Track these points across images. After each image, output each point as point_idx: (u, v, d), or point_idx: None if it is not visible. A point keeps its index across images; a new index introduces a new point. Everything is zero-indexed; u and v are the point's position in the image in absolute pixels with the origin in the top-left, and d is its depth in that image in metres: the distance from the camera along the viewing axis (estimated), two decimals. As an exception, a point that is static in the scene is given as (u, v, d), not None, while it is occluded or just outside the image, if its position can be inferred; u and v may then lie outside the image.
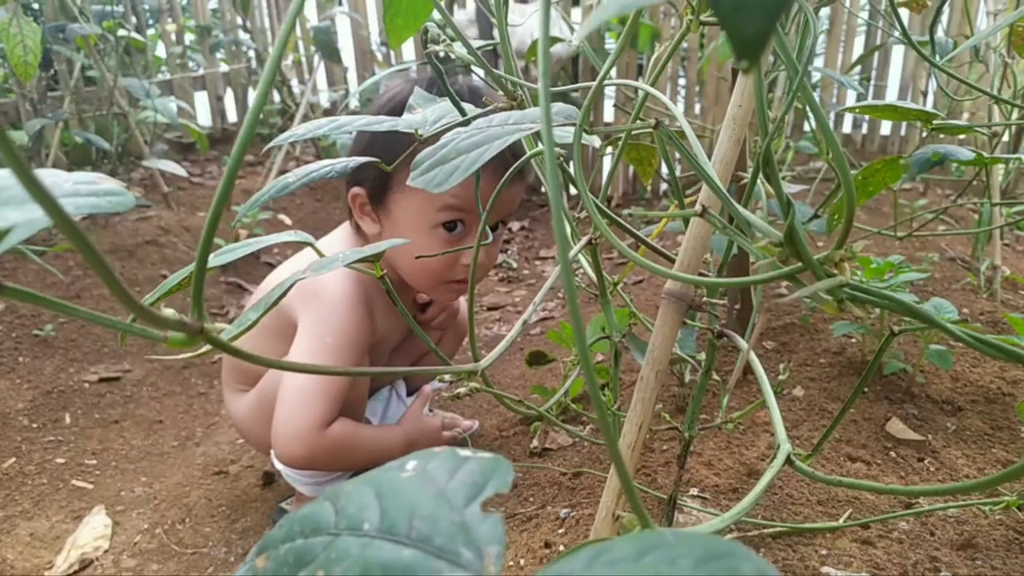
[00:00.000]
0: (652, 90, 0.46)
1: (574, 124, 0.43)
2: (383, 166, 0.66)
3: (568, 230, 0.79)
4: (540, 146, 0.58)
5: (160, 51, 3.13)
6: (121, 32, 2.04)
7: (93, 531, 1.16)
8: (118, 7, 2.12)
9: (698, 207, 0.41)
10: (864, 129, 2.93)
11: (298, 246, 2.33)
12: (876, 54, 2.76)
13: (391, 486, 0.28)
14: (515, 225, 2.72)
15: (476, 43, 0.67)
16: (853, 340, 1.12)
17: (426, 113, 0.68)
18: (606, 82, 0.45)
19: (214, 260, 0.44)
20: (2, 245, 0.25)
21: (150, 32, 3.09)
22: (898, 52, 2.71)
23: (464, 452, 0.30)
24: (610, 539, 0.24)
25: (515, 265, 2.40)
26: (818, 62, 2.75)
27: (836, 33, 2.76)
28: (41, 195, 0.22)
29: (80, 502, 1.23)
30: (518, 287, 2.22)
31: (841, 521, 0.73)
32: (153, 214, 2.24)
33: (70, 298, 1.80)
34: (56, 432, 1.41)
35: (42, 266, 1.69)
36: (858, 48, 2.83)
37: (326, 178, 0.64)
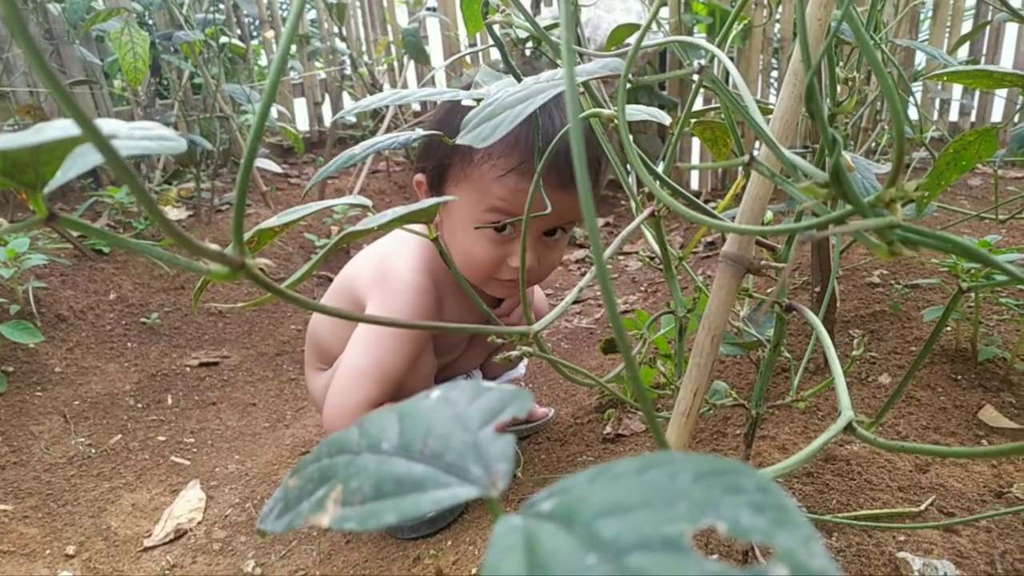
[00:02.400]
0: (708, 45, 0.45)
1: (617, 75, 0.42)
2: (446, 140, 0.67)
3: (633, 205, 0.78)
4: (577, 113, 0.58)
5: (263, 60, 3.29)
6: (223, 39, 2.16)
7: (188, 504, 1.22)
8: (220, 15, 2.24)
9: (746, 157, 0.40)
10: (973, 116, 2.75)
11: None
12: (986, 35, 2.59)
13: (413, 410, 0.29)
14: (599, 221, 2.70)
15: (545, 23, 0.68)
16: (947, 328, 1.06)
17: (490, 87, 0.69)
18: (647, 43, 0.44)
19: (277, 220, 0.46)
20: (66, 173, 0.27)
21: (253, 43, 3.25)
22: (1011, 32, 2.53)
23: (488, 384, 0.30)
24: (619, 460, 0.24)
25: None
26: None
27: (941, 17, 2.61)
28: (80, 117, 0.24)
29: (178, 477, 1.30)
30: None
31: (923, 507, 0.69)
32: (252, 212, 2.35)
33: (174, 289, 1.91)
34: (159, 412, 1.50)
35: (149, 258, 1.81)
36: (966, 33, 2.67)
37: (390, 149, 0.65)
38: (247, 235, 0.51)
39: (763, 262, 0.52)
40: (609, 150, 0.73)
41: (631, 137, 0.50)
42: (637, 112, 0.77)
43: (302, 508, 0.27)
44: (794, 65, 0.50)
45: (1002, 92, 2.59)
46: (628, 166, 0.80)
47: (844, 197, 0.35)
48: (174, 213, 2.34)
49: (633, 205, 0.79)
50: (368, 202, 0.52)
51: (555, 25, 0.67)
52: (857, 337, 1.11)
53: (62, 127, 0.27)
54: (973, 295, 0.94)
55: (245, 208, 0.31)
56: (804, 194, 0.36)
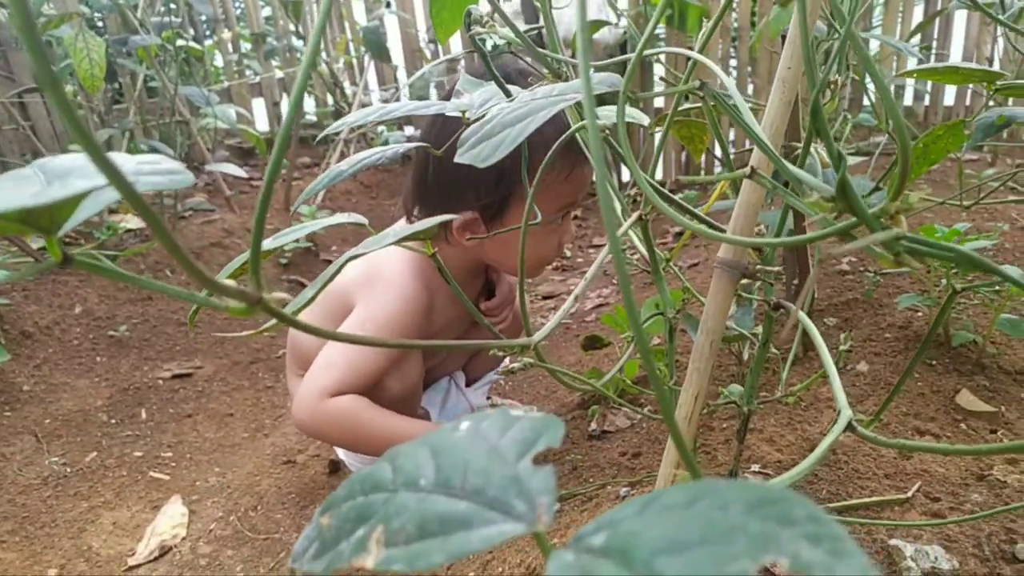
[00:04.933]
0: (699, 56, 0.46)
1: (617, 91, 0.43)
2: (432, 151, 0.67)
3: (619, 208, 0.78)
4: (584, 120, 0.58)
5: (218, 60, 3.23)
6: (180, 42, 2.11)
7: (171, 520, 1.20)
8: (176, 18, 2.19)
9: (747, 169, 0.41)
10: (927, 100, 2.82)
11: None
12: (937, 22, 2.66)
13: (445, 444, 0.29)
14: (568, 214, 2.71)
15: (522, 27, 0.67)
16: (919, 313, 1.09)
17: (473, 96, 0.68)
18: (648, 51, 0.45)
19: (273, 242, 0.45)
20: (78, 215, 0.26)
21: (207, 43, 3.19)
22: (960, 18, 2.60)
23: (516, 412, 0.30)
24: (664, 488, 0.24)
25: (568, 254, 2.40)
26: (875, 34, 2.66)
27: (893, 5, 2.66)
28: (108, 168, 0.23)
29: (158, 492, 1.28)
30: (572, 275, 2.22)
31: (910, 494, 0.71)
32: (217, 217, 2.31)
33: (141, 299, 1.87)
34: (133, 427, 1.47)
35: (114, 270, 1.76)
36: (917, 19, 2.73)
37: (377, 165, 0.65)
38: (242, 258, 0.50)
39: (758, 266, 0.53)
40: (586, 148, 0.73)
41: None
42: (607, 116, 0.78)
43: (341, 548, 0.27)
44: (781, 72, 0.51)
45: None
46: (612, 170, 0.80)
47: (851, 211, 0.36)
48: (135, 221, 2.28)
49: (618, 207, 0.80)
50: (364, 220, 0.52)
51: (531, 30, 0.67)
52: (831, 325, 1.13)
53: (83, 173, 0.26)
54: (944, 281, 0.97)
55: (260, 238, 0.31)
56: (811, 208, 0.36)
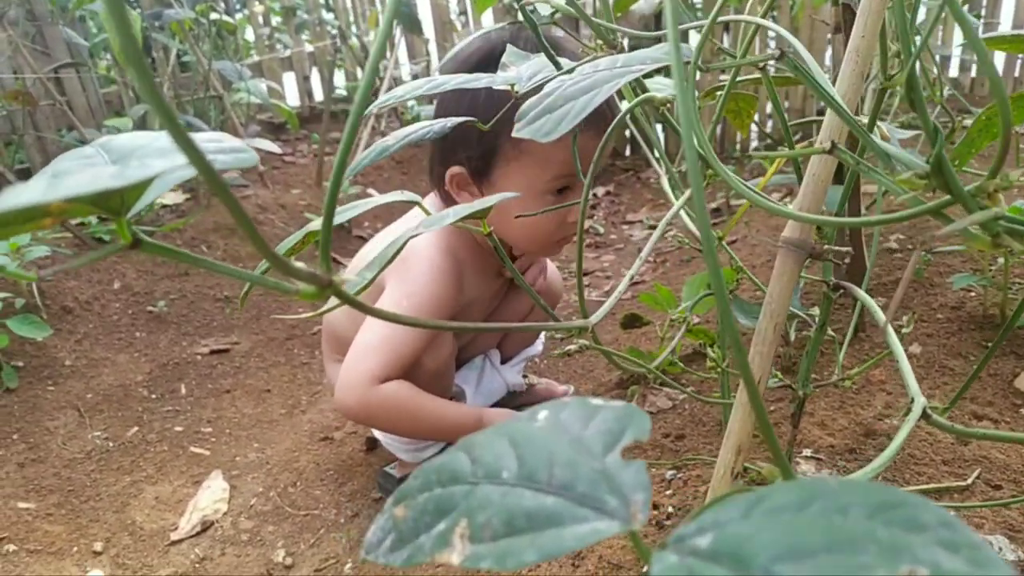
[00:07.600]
0: (768, 23, 0.43)
1: (688, 62, 0.41)
2: (480, 125, 0.65)
3: (667, 186, 0.76)
4: (644, 94, 0.56)
5: (248, 34, 3.22)
6: (213, 15, 2.11)
7: (212, 494, 1.22)
8: (208, -9, 2.19)
9: (826, 143, 0.39)
10: (973, 72, 2.73)
11: (387, 220, 2.36)
12: (987, -11, 2.56)
13: (525, 435, 0.28)
14: (600, 190, 2.68)
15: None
16: (972, 293, 1.05)
17: (521, 69, 0.66)
18: (722, 17, 0.42)
19: (336, 218, 0.44)
20: (154, 189, 0.25)
21: (238, 16, 3.17)
22: (1012, -15, 2.50)
23: (596, 401, 0.29)
24: (768, 487, 0.23)
25: (602, 230, 2.38)
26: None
27: (941, -30, 2.57)
28: (187, 145, 0.22)
29: (199, 468, 1.29)
30: (606, 252, 2.20)
31: (970, 480, 0.69)
32: (251, 193, 2.31)
33: (179, 275, 1.89)
34: (173, 402, 1.49)
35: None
36: (965, -15, 2.63)
37: (424, 140, 0.64)
38: (299, 234, 0.50)
39: (825, 247, 0.51)
40: (635, 128, 0.71)
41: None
42: (665, 88, 0.75)
43: (422, 543, 0.26)
44: (854, 42, 0.49)
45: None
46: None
47: (945, 189, 0.34)
48: (171, 196, 2.30)
49: (666, 184, 0.77)
50: (418, 198, 0.51)
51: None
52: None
53: (152, 152, 0.25)
54: (1001, 260, 0.93)
55: (331, 219, 0.30)
56: (902, 186, 0.34)
